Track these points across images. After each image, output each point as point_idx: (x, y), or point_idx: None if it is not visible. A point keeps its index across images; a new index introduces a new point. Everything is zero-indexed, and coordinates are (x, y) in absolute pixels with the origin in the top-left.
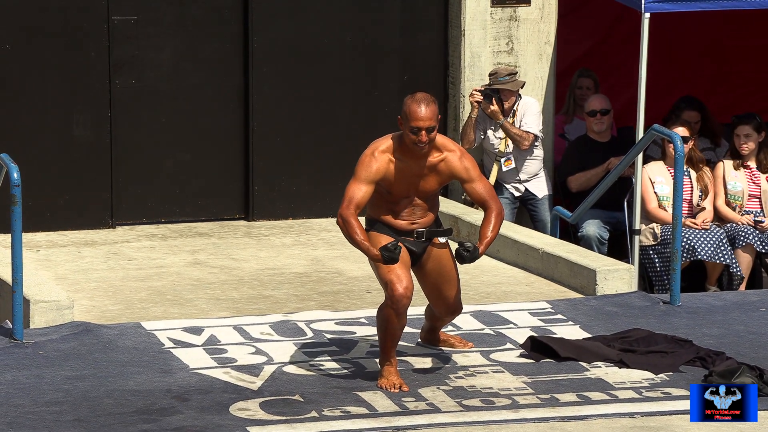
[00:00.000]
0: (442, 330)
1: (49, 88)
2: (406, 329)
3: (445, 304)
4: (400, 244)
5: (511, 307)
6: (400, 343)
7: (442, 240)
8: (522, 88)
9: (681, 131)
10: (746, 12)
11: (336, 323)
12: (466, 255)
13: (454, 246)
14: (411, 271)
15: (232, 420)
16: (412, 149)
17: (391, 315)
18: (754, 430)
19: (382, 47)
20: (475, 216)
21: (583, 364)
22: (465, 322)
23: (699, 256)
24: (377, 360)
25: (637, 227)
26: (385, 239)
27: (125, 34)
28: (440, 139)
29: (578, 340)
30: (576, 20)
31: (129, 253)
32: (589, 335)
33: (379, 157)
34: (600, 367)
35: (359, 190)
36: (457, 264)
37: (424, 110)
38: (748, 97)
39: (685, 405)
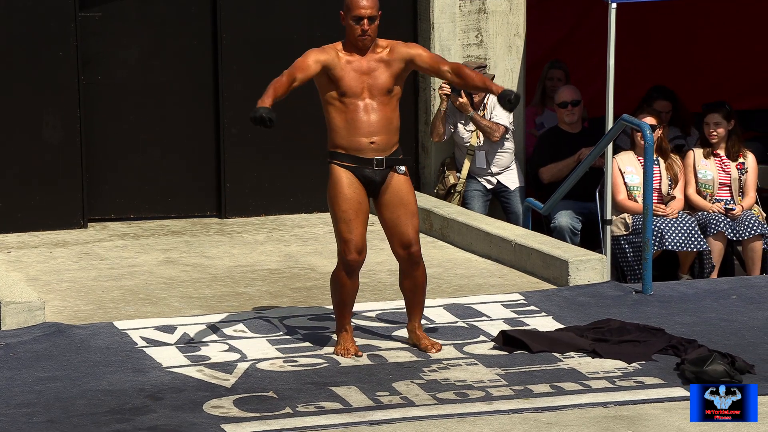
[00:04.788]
0: (419, 330)
1: (16, 87)
2: (378, 324)
3: (399, 236)
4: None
5: (484, 300)
6: (373, 340)
7: (402, 169)
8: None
9: (649, 120)
10: (714, 0)
11: (309, 319)
12: (513, 99)
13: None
14: (366, 227)
15: (207, 418)
16: (355, 42)
17: (343, 277)
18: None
19: None
20: (448, 209)
21: (557, 354)
22: (438, 315)
23: (667, 246)
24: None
25: (608, 217)
26: (346, 175)
27: (92, 31)
28: (389, 41)
29: (551, 331)
30: (545, 11)
31: (101, 253)
32: (562, 326)
33: (326, 48)
34: (573, 357)
35: (300, 63)
36: (414, 193)
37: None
38: (718, 85)
39: (658, 393)
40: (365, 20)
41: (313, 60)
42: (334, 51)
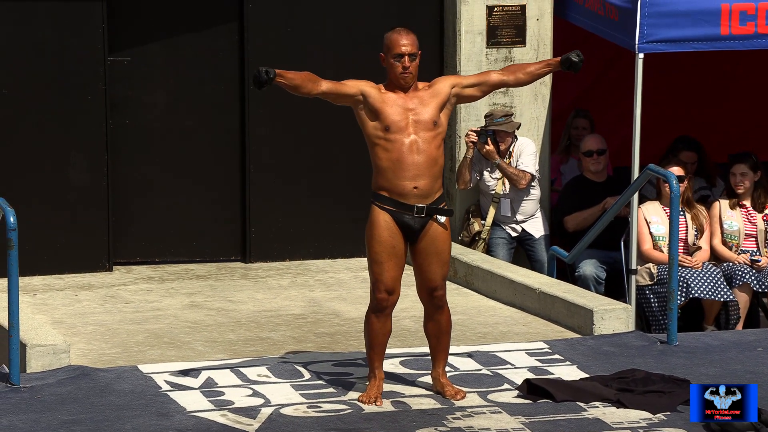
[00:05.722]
0: (443, 376)
1: (45, 130)
2: (402, 370)
3: (426, 281)
4: (273, 73)
5: (509, 348)
6: (397, 386)
7: (442, 219)
8: (518, 129)
9: (676, 170)
10: (741, 51)
11: (333, 365)
12: (577, 60)
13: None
14: (402, 270)
15: None
16: (397, 81)
17: (372, 318)
18: None
19: None
20: (472, 256)
21: (581, 404)
22: (462, 362)
23: (694, 294)
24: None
25: (633, 267)
26: (384, 218)
27: (121, 75)
28: (428, 82)
29: (575, 380)
30: None
31: (126, 296)
32: (587, 375)
33: (368, 81)
34: (598, 407)
35: (336, 81)
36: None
37: (404, 37)
38: (745, 136)
39: None
40: (406, 57)
41: (351, 83)
42: (375, 86)
